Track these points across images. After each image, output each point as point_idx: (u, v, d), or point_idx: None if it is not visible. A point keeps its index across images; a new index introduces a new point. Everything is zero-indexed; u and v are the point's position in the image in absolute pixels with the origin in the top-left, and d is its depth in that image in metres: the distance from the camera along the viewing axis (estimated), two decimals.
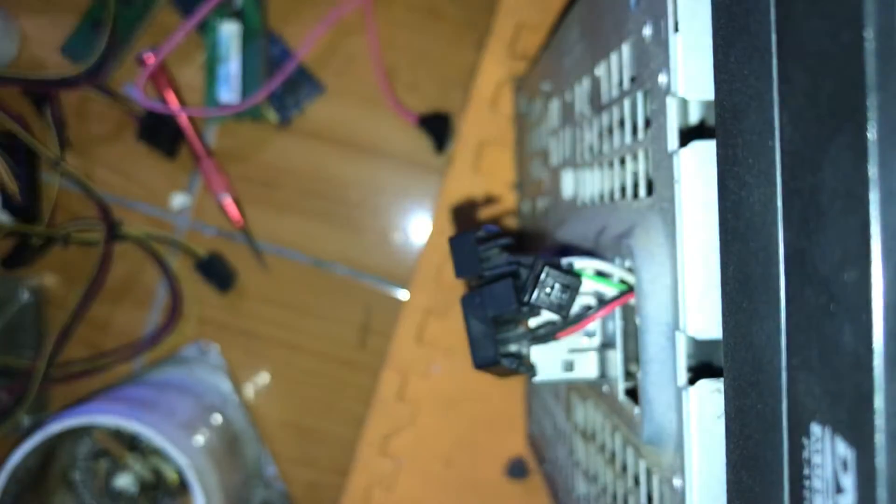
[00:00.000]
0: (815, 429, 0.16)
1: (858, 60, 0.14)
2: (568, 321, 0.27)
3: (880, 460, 0.14)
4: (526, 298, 0.25)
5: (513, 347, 0.27)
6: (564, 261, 0.27)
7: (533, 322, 0.28)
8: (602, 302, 0.27)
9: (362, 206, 0.55)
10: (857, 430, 0.14)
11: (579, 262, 0.27)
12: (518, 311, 0.26)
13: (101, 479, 0.52)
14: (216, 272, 0.54)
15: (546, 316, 0.28)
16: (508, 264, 0.27)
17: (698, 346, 0.24)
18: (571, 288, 0.26)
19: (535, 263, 0.26)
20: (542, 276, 0.25)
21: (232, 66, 0.52)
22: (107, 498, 0.52)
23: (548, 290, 0.26)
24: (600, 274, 0.27)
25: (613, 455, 0.30)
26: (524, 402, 0.54)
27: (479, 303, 0.26)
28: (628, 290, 0.27)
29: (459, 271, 0.27)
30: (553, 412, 0.42)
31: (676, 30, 0.22)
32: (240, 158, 0.55)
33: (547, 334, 0.27)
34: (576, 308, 0.27)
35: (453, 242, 0.28)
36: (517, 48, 0.53)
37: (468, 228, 0.28)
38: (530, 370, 0.26)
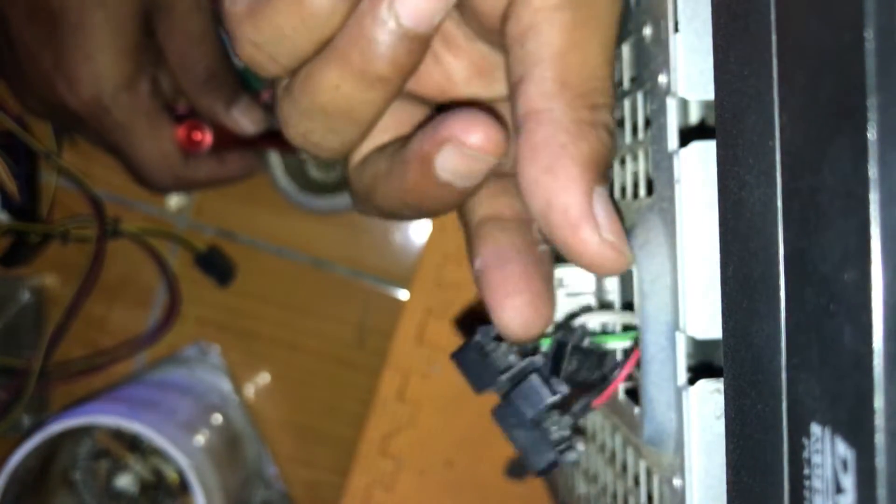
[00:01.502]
0: (815, 429, 0.16)
1: (858, 60, 0.14)
2: (598, 389, 0.27)
3: (880, 460, 0.14)
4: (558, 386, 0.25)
5: (556, 436, 0.26)
6: (577, 326, 0.27)
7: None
8: (626, 353, 0.27)
9: None
10: (857, 430, 0.14)
11: (591, 322, 0.27)
12: (553, 400, 0.25)
13: (102, 480, 0.52)
14: (216, 265, 0.54)
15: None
16: (523, 357, 0.26)
17: (698, 346, 0.24)
18: (599, 354, 0.26)
19: (554, 348, 0.26)
20: (565, 363, 0.25)
21: (235, 65, 0.52)
22: (107, 498, 0.52)
23: (575, 365, 0.25)
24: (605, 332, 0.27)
25: (613, 455, 0.30)
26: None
27: (513, 411, 0.25)
28: (636, 340, 0.26)
29: (478, 387, 0.27)
30: None
31: (676, 30, 0.22)
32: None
33: (584, 408, 0.26)
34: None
35: (458, 359, 0.27)
36: None
37: (464, 341, 0.27)
38: (578, 448, 0.26)
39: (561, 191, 0.24)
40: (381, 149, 0.28)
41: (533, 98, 0.25)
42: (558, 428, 0.26)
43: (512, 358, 0.26)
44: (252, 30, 0.26)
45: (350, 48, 0.25)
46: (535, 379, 0.25)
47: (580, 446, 0.26)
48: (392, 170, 0.27)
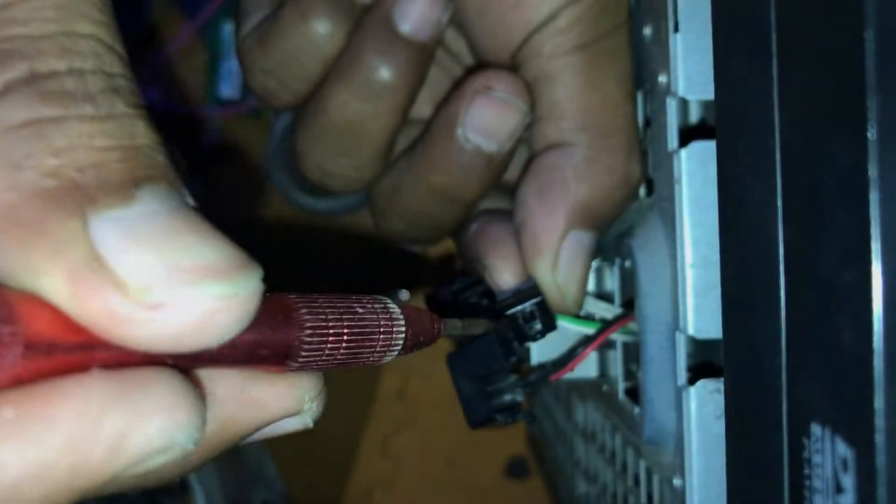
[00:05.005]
0: (815, 429, 0.16)
1: (858, 60, 0.14)
2: (556, 364, 0.27)
3: (880, 460, 0.14)
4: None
5: (507, 398, 0.26)
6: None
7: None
8: (588, 339, 0.27)
9: None
10: (857, 430, 0.14)
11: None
12: (506, 363, 0.25)
13: None
14: None
15: (535, 360, 0.28)
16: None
17: (698, 346, 0.24)
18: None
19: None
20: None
21: (234, 63, 0.52)
22: (107, 498, 0.51)
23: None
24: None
25: (613, 455, 0.30)
26: (525, 403, 0.54)
27: (466, 361, 0.25)
28: (604, 325, 0.27)
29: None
30: (553, 412, 0.42)
31: (676, 30, 0.22)
32: (239, 154, 0.55)
33: (538, 379, 0.27)
34: (561, 349, 0.28)
35: (430, 300, 0.27)
36: None
37: (442, 282, 0.28)
38: (528, 417, 0.26)
39: (539, 217, 0.25)
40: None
41: (552, 134, 0.25)
42: (507, 390, 0.26)
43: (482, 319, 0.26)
44: (262, 57, 0.26)
45: (354, 61, 0.25)
46: (491, 338, 0.25)
47: (521, 413, 0.26)
48: (414, 159, 0.27)
